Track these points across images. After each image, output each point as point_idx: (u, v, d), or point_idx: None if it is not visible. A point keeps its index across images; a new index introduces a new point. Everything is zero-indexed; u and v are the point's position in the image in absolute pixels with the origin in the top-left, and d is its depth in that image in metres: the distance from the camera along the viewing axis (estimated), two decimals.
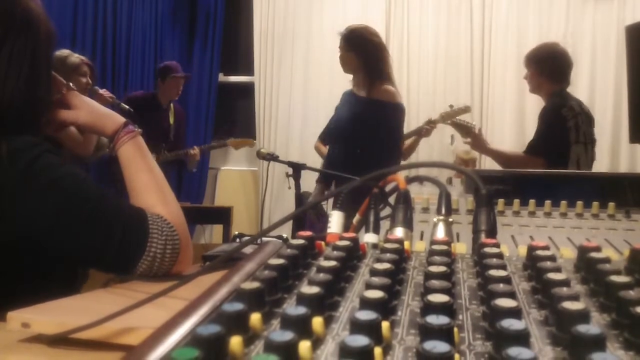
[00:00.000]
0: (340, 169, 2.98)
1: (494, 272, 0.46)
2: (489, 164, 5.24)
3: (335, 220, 0.78)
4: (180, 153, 4.45)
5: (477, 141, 3.57)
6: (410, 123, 5.40)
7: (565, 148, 3.30)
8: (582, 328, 0.34)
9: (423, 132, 3.76)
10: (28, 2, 1.05)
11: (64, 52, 3.60)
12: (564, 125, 3.31)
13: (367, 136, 3.20)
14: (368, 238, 0.71)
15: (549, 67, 3.40)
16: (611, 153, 5.16)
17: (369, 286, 0.43)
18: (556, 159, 3.21)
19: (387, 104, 3.22)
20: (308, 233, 0.58)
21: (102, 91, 3.88)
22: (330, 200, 0.84)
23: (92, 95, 3.65)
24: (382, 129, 3.22)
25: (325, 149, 3.63)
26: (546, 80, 3.40)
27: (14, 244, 0.96)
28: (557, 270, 0.46)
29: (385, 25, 5.50)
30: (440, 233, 0.70)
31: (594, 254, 0.50)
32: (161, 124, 4.44)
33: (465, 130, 3.62)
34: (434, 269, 0.47)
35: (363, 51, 3.28)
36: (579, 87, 5.26)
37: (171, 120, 4.56)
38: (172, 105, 4.62)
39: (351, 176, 2.14)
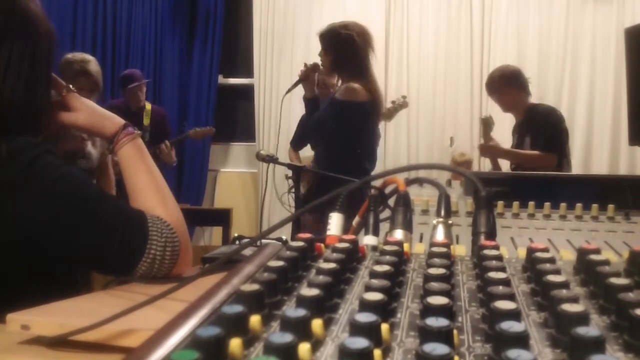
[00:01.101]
0: (323, 170, 3.01)
1: (493, 274, 0.46)
2: (487, 166, 5.25)
3: (335, 222, 0.78)
4: (150, 151, 4.46)
5: (492, 144, 3.77)
6: (410, 125, 5.43)
7: (564, 146, 3.67)
8: (581, 330, 0.34)
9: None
10: (27, 3, 1.05)
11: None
12: (562, 126, 3.70)
13: (330, 136, 3.18)
14: (367, 240, 0.70)
15: (521, 81, 3.77)
16: (610, 155, 5.17)
17: (368, 288, 0.43)
18: (562, 156, 3.58)
19: (345, 103, 3.11)
20: (307, 235, 0.58)
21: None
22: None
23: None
24: (339, 128, 3.13)
25: (294, 156, 3.65)
26: (524, 95, 3.77)
27: (13, 244, 0.96)
28: (557, 272, 0.46)
29: (385, 26, 5.51)
30: (440, 235, 0.70)
31: (593, 256, 0.50)
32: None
33: (489, 128, 3.74)
34: (433, 271, 0.47)
35: (334, 51, 3.20)
36: (579, 89, 5.27)
37: (145, 122, 4.57)
38: (148, 107, 4.63)
39: (350, 178, 2.14)
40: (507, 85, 3.77)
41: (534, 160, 3.56)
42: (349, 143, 3.15)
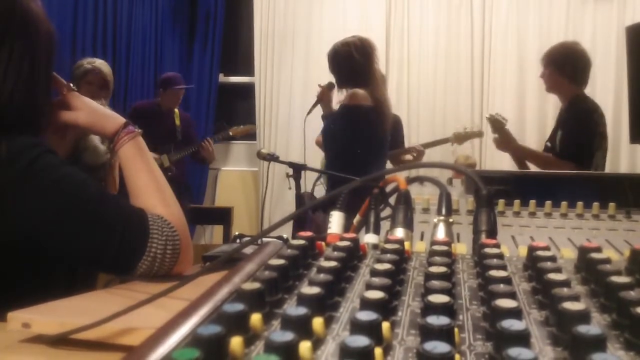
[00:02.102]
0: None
1: (494, 273, 0.46)
2: (489, 166, 5.25)
3: (336, 221, 0.78)
4: (191, 149, 4.51)
5: (506, 137, 3.44)
6: (410, 126, 5.42)
7: (591, 154, 3.26)
8: (582, 328, 0.34)
9: (414, 153, 3.80)
10: (28, 2, 1.05)
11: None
12: (595, 131, 3.28)
13: (337, 142, 3.27)
14: (368, 238, 0.71)
15: (571, 67, 3.32)
16: (611, 153, 5.14)
17: (369, 286, 0.43)
18: (584, 164, 3.18)
19: (349, 107, 3.20)
20: (308, 233, 0.58)
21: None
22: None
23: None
24: (344, 132, 3.22)
25: None
26: (567, 81, 3.32)
27: (14, 244, 0.96)
28: (558, 270, 0.46)
29: (386, 26, 5.51)
30: (441, 233, 0.70)
31: (594, 255, 0.50)
32: (167, 126, 4.50)
33: (498, 125, 3.46)
34: (434, 269, 0.47)
35: (335, 68, 3.31)
36: None
37: (177, 122, 4.62)
38: (176, 110, 4.67)
39: (351, 177, 2.14)
40: (549, 63, 3.36)
41: (549, 165, 3.23)
42: (350, 145, 3.18)
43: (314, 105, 3.60)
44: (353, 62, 3.21)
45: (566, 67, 3.30)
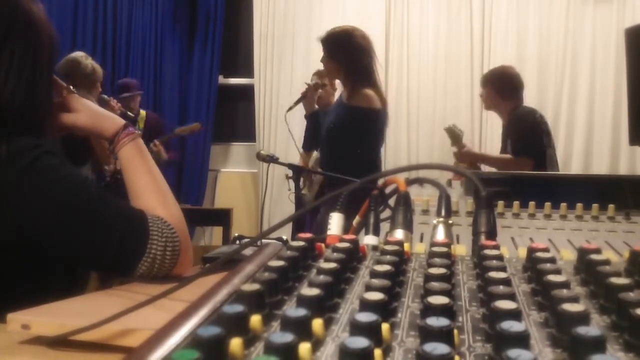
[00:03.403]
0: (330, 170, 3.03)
1: (493, 274, 0.46)
2: (487, 167, 5.25)
3: (335, 222, 0.78)
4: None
5: (464, 148, 3.74)
6: (410, 126, 5.43)
7: (543, 150, 3.61)
8: (582, 330, 0.34)
9: None
10: (30, 5, 1.05)
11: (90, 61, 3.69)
12: (539, 128, 3.67)
13: (346, 142, 3.21)
14: (368, 240, 0.71)
15: (502, 86, 3.74)
16: (611, 155, 5.16)
17: (369, 288, 0.43)
18: (539, 160, 3.52)
19: (364, 110, 3.16)
20: (308, 235, 0.58)
21: (112, 101, 3.98)
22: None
23: (103, 104, 3.70)
24: (358, 134, 3.19)
25: (306, 158, 3.66)
26: (498, 99, 3.74)
27: (14, 244, 0.96)
28: (557, 272, 0.46)
29: (385, 27, 5.51)
30: (440, 235, 0.70)
31: (593, 256, 0.50)
32: None
33: (456, 137, 3.74)
34: (434, 270, 0.47)
35: (341, 57, 3.22)
36: (579, 90, 5.27)
37: (140, 125, 4.63)
38: (143, 114, 4.68)
39: (350, 178, 2.14)
40: (487, 84, 3.78)
41: (507, 165, 3.54)
42: (361, 147, 3.19)
43: (296, 102, 3.60)
44: (364, 56, 3.19)
45: (503, 86, 3.74)
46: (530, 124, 3.67)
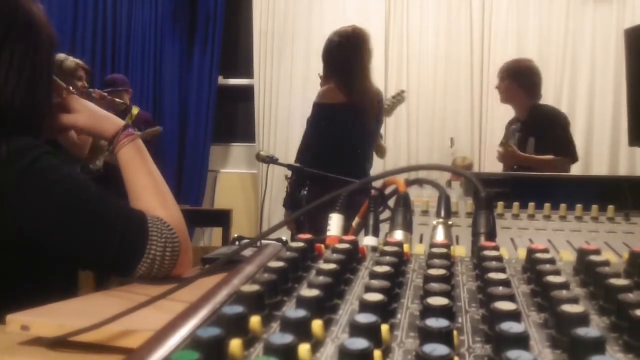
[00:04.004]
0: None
1: (493, 275, 0.46)
2: (487, 168, 5.25)
3: (335, 223, 0.78)
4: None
5: (511, 150, 3.63)
6: (410, 126, 5.43)
7: (575, 148, 3.61)
8: (581, 331, 0.34)
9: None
10: (30, 5, 1.05)
11: (60, 56, 3.65)
12: (568, 128, 3.66)
13: (306, 138, 3.27)
14: (367, 241, 0.71)
15: (524, 81, 3.65)
16: (610, 156, 5.17)
17: (368, 289, 0.43)
18: (575, 159, 3.57)
19: (316, 105, 3.20)
20: (308, 236, 0.58)
21: (95, 93, 3.94)
22: None
23: (89, 98, 3.69)
24: (313, 129, 3.22)
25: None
26: (524, 94, 3.65)
27: (14, 244, 0.96)
28: (557, 273, 0.46)
29: (385, 26, 5.52)
30: (440, 236, 0.70)
31: (593, 257, 0.50)
32: None
33: (508, 138, 3.71)
34: (433, 271, 0.47)
35: (323, 58, 3.29)
36: (578, 90, 5.27)
37: (128, 122, 4.59)
38: (135, 111, 4.63)
39: (349, 179, 2.14)
40: (507, 76, 3.68)
41: (548, 166, 3.47)
42: (318, 143, 3.17)
43: None
44: (338, 53, 3.19)
45: (524, 80, 3.65)
46: (565, 124, 3.64)
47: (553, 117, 3.64)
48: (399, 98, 3.92)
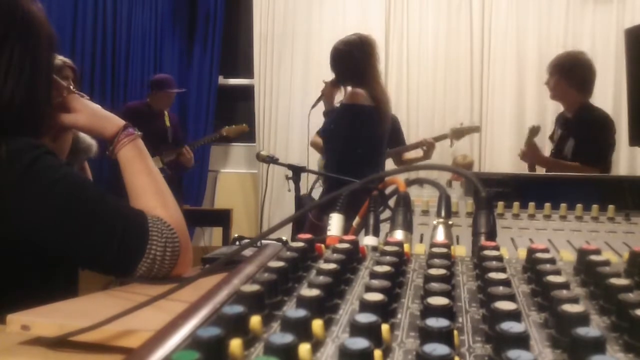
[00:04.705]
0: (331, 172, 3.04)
1: (493, 275, 0.46)
2: (487, 167, 5.25)
3: (335, 223, 0.78)
4: (175, 152, 4.52)
5: (534, 151, 3.47)
6: (410, 126, 5.42)
7: (609, 160, 3.38)
8: (581, 331, 0.34)
9: (424, 147, 3.76)
10: (29, 5, 1.05)
11: None
12: (613, 137, 3.38)
13: (334, 139, 3.28)
14: (368, 241, 0.71)
15: (579, 77, 3.35)
16: None
17: (368, 289, 0.43)
18: (605, 169, 3.27)
19: (347, 105, 3.23)
20: (308, 236, 0.58)
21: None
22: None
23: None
24: (341, 129, 3.23)
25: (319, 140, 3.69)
26: (574, 91, 3.35)
27: (14, 244, 0.96)
28: (557, 272, 0.46)
29: (385, 27, 5.51)
30: (440, 236, 0.70)
31: (593, 257, 0.50)
32: (157, 127, 4.51)
33: (533, 137, 3.51)
34: (433, 271, 0.47)
35: (335, 66, 3.33)
36: None
37: (167, 124, 4.63)
38: (165, 111, 4.69)
39: (350, 179, 2.14)
40: (557, 72, 3.39)
41: (575, 172, 3.20)
42: (348, 144, 3.19)
43: (318, 100, 3.62)
44: (352, 60, 3.24)
45: (575, 76, 3.33)
46: (608, 132, 3.35)
47: (600, 122, 3.35)
48: (472, 127, 3.93)
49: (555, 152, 3.48)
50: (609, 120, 3.39)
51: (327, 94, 3.47)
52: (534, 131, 3.51)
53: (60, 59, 3.72)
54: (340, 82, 3.35)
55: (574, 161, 3.29)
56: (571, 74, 3.33)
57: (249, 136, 5.77)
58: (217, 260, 1.08)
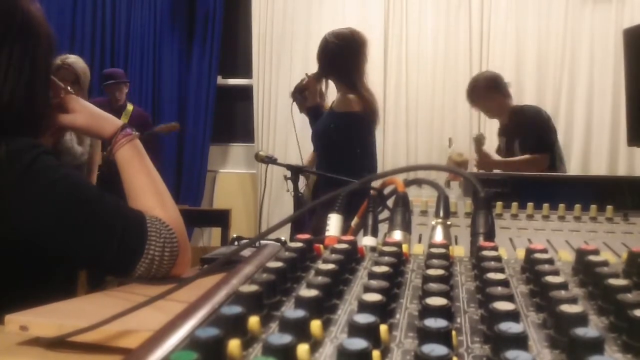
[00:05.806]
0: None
1: (492, 275, 0.46)
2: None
3: (334, 223, 0.78)
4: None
5: (486, 157, 3.79)
6: (409, 126, 5.42)
7: (553, 145, 3.72)
8: (580, 331, 0.34)
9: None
10: (28, 6, 1.05)
11: None
12: (549, 124, 3.79)
13: (331, 148, 3.25)
14: (366, 241, 0.71)
15: (504, 87, 3.84)
16: (609, 156, 5.16)
17: (367, 289, 0.43)
18: (553, 155, 3.65)
19: (341, 114, 3.20)
20: (307, 236, 0.58)
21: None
22: None
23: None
24: (337, 138, 3.21)
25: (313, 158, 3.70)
26: (507, 100, 3.84)
27: (13, 245, 0.96)
28: (555, 273, 0.46)
29: (384, 27, 5.51)
30: (439, 236, 0.70)
31: (592, 257, 0.50)
32: None
33: (479, 144, 3.81)
34: (432, 272, 0.47)
35: (320, 58, 3.29)
36: (578, 90, 5.27)
37: (124, 120, 4.58)
38: (130, 108, 4.65)
39: (349, 179, 2.14)
40: (494, 91, 3.83)
41: (526, 165, 3.59)
42: (346, 153, 3.19)
43: (301, 92, 3.58)
44: (339, 54, 3.21)
45: (492, 89, 3.82)
46: (542, 121, 3.75)
47: (532, 115, 3.77)
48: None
49: (508, 157, 3.81)
50: (539, 110, 3.86)
51: (309, 88, 3.43)
52: (479, 139, 3.83)
53: (68, 60, 3.71)
54: (323, 75, 3.32)
55: (532, 150, 3.63)
56: (489, 90, 3.83)
57: (248, 136, 5.78)
58: (215, 261, 1.09)
